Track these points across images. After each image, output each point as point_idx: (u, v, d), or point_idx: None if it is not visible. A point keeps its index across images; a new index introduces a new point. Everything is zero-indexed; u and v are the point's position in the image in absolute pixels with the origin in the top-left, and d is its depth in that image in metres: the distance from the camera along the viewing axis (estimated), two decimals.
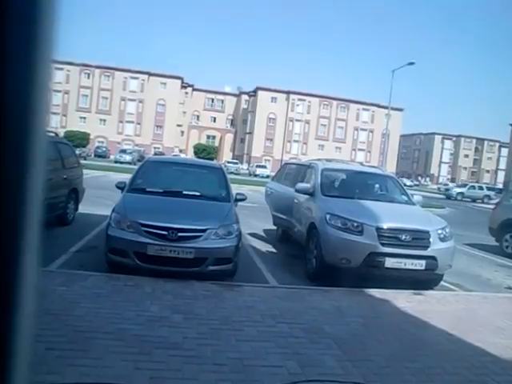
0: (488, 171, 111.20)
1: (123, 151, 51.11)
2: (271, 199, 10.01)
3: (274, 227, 9.97)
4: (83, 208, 9.87)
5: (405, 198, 7.94)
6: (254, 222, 10.81)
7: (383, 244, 6.16)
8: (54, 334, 3.57)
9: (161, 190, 6.64)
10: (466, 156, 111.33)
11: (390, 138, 49.91)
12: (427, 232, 6.41)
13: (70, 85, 73.29)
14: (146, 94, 76.06)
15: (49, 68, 0.56)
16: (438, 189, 65.80)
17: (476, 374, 3.70)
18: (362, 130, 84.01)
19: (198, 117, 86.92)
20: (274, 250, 8.96)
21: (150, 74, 76.66)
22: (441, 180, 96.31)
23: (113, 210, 5.96)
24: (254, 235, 9.95)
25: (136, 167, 7.90)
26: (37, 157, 0.55)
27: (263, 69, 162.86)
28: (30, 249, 0.55)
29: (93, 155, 54.92)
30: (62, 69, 71.87)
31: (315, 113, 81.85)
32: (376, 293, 5.91)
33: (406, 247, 6.23)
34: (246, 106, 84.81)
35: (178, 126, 78.87)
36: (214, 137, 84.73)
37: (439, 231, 6.54)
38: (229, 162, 56.97)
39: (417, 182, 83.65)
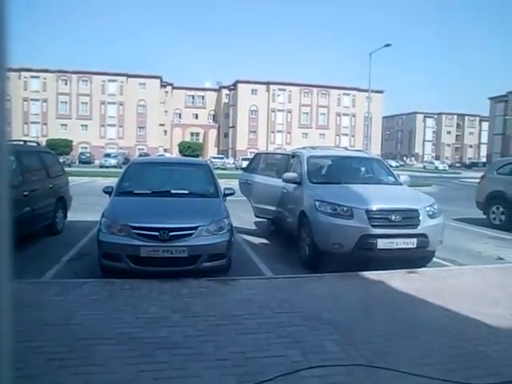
0: (471, 146, 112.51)
1: (107, 155, 50.88)
2: (251, 191, 9.93)
3: (265, 220, 9.99)
4: (72, 216, 9.79)
5: (391, 178, 8.01)
6: (245, 215, 10.81)
7: (374, 226, 6.22)
8: (53, 345, 3.55)
9: (149, 191, 6.62)
10: (449, 133, 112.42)
11: (372, 121, 50.14)
12: (416, 210, 6.48)
13: (48, 93, 72.46)
14: (125, 96, 75.37)
15: (4, 76, 0.55)
16: (424, 167, 66.37)
17: (474, 345, 3.77)
18: (344, 114, 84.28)
19: (179, 115, 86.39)
20: (266, 242, 8.98)
21: (128, 76, 75.85)
22: (425, 158, 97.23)
23: (102, 215, 5.92)
24: (245, 228, 9.96)
25: (122, 170, 7.84)
26: (0, 168, 0.54)
27: (241, 62, 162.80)
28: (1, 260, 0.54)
29: (77, 162, 54.42)
30: (37, 77, 70.95)
31: (296, 101, 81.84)
32: (371, 275, 5.96)
33: (397, 227, 6.29)
34: (226, 101, 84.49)
35: (161, 125, 78.34)
36: (197, 133, 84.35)
37: (427, 208, 6.61)
38: (214, 158, 56.83)
39: (402, 163, 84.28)
